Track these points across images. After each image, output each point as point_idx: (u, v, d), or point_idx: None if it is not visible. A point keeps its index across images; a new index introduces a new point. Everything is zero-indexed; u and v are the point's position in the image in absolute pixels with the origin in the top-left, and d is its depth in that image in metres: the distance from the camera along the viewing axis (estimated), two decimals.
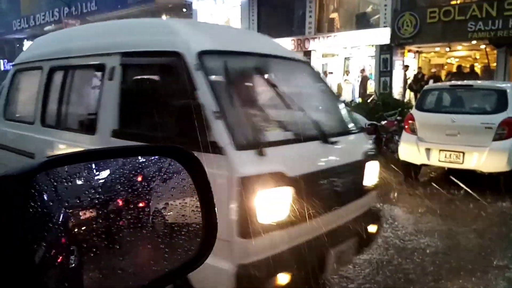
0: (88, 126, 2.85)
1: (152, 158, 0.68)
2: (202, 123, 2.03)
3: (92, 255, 0.59)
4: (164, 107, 2.40)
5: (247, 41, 3.17)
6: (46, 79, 3.37)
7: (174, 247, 0.67)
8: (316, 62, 17.54)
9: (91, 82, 3.11)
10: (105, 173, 0.62)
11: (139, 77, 2.77)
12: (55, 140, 3.12)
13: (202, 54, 2.30)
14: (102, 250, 0.60)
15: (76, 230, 0.59)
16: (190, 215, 0.68)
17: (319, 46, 17.36)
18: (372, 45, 15.38)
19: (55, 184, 0.55)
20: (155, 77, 2.73)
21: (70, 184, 0.56)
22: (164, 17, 26.73)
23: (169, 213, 0.68)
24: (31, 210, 0.50)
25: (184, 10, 23.74)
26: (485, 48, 13.06)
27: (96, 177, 0.60)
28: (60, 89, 3.25)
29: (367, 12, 16.24)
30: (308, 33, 17.49)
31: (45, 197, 0.54)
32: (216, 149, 2.00)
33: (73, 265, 0.58)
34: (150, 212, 0.66)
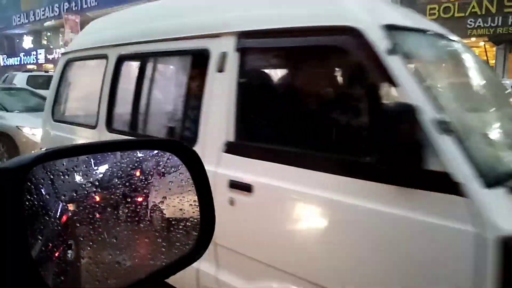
0: (183, 134, 2.18)
1: (150, 152, 0.68)
2: (411, 139, 1.28)
3: (89, 249, 0.59)
4: (329, 113, 1.76)
5: (412, 15, 2.10)
6: (114, 71, 2.60)
7: (171, 241, 0.67)
8: None
9: (184, 74, 2.34)
10: (103, 167, 0.62)
11: (273, 67, 2.04)
12: None
13: (390, 29, 1.50)
14: (99, 244, 0.60)
15: (73, 223, 0.59)
16: (188, 210, 0.68)
17: None
18: None
19: (52, 177, 0.55)
20: (306, 67, 1.95)
21: (67, 177, 0.56)
22: None
23: (166, 208, 0.68)
24: (27, 204, 0.50)
25: None
26: (484, 45, 13.08)
27: (93, 171, 0.60)
28: (136, 83, 2.49)
29: None
30: None
31: (42, 191, 0.54)
32: (443, 184, 1.26)
33: (71, 259, 0.58)
34: (148, 206, 0.66)
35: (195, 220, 0.67)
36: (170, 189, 0.69)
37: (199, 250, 0.67)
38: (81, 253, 0.57)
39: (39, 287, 0.48)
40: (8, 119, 6.65)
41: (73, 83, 3.29)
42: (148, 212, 0.66)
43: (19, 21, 35.49)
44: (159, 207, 0.68)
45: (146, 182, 0.66)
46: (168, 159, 0.68)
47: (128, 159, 0.65)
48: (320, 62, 1.90)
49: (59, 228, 0.56)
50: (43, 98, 7.99)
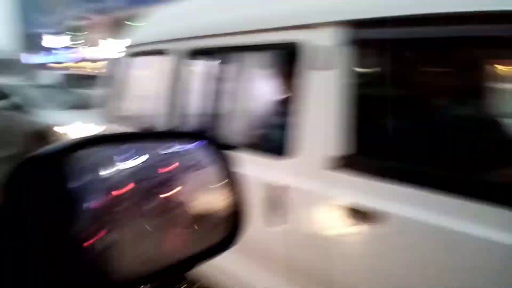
0: (269, 145, 1.86)
1: (183, 144, 0.71)
2: None
3: (123, 234, 0.61)
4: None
5: None
6: (179, 68, 2.33)
7: (201, 232, 0.69)
8: None
9: (269, 73, 2.05)
10: (136, 156, 0.64)
11: (410, 62, 1.59)
12: None
13: None
14: (133, 230, 0.62)
15: (109, 210, 0.61)
16: (219, 201, 0.70)
17: None
18: None
19: (89, 164, 0.58)
20: (471, 62, 1.52)
21: (104, 164, 0.59)
22: None
23: (198, 199, 0.71)
24: (64, 190, 0.52)
25: None
26: None
27: (128, 160, 0.63)
28: (205, 84, 2.19)
29: None
30: None
31: (80, 177, 0.57)
32: None
33: (105, 245, 0.61)
34: (179, 196, 0.68)
35: (224, 213, 0.70)
36: (201, 181, 0.71)
37: (227, 242, 0.69)
38: (116, 238, 0.60)
39: (81, 267, 0.50)
40: (42, 116, 6.73)
41: (133, 80, 2.98)
42: (180, 203, 0.68)
43: (44, 20, 36.24)
44: (191, 197, 0.70)
45: (178, 173, 0.69)
46: (199, 151, 0.70)
47: (160, 149, 0.67)
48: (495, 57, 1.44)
49: (98, 212, 0.59)
50: (79, 96, 8.35)
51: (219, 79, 2.15)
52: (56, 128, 6.36)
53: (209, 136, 0.69)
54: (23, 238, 0.49)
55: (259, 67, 2.12)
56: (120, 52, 3.19)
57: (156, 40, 2.64)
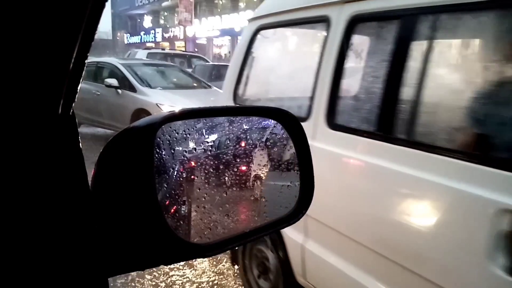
0: None
1: (259, 118, 0.74)
2: None
3: (202, 201, 0.67)
4: None
5: None
6: (343, 40, 1.77)
7: (273, 202, 0.73)
8: None
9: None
10: (214, 130, 0.69)
11: None
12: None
13: None
14: (211, 199, 0.67)
15: (189, 179, 0.67)
16: (290, 175, 0.73)
17: None
18: None
19: (175, 136, 0.64)
20: None
21: (187, 137, 0.64)
22: None
23: (271, 171, 0.74)
24: (155, 157, 0.58)
25: None
26: None
27: (208, 133, 0.67)
28: (392, 59, 1.58)
29: None
30: None
31: (166, 148, 0.63)
32: None
33: (186, 212, 0.66)
34: (254, 168, 0.72)
35: (296, 185, 0.72)
36: (273, 154, 0.74)
37: (297, 214, 0.71)
38: (196, 204, 0.66)
39: (164, 228, 0.56)
40: (150, 95, 6.98)
41: (266, 58, 2.53)
42: (255, 174, 0.72)
43: (140, 2, 38.31)
44: (265, 169, 0.73)
45: (253, 146, 0.72)
46: (274, 126, 0.73)
47: (238, 123, 0.71)
48: None
49: (179, 181, 0.64)
50: (191, 76, 8.99)
51: (408, 51, 1.53)
52: (163, 108, 6.62)
53: (287, 112, 0.71)
54: (113, 203, 0.56)
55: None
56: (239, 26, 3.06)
57: (300, 6, 2.05)
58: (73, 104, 0.49)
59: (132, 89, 7.26)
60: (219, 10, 31.96)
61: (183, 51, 21.57)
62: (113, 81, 7.44)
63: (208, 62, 13.18)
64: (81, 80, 0.47)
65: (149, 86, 7.39)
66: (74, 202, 0.51)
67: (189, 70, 10.64)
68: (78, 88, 0.48)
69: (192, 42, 32.64)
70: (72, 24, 0.43)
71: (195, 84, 8.50)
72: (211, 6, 32.39)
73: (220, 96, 2.89)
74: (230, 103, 2.54)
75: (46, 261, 0.51)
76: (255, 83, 2.57)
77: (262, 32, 2.41)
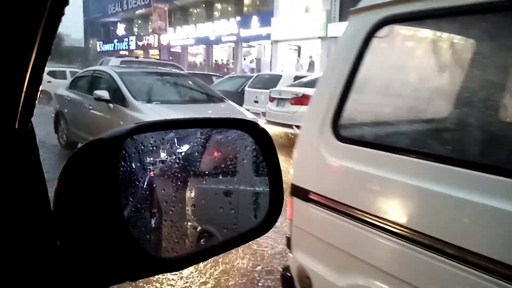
0: None
1: (226, 130, 0.74)
2: None
3: (170, 213, 0.66)
4: None
5: None
6: None
7: (243, 214, 0.73)
8: None
9: None
10: (184, 142, 0.68)
11: None
12: None
13: None
14: (179, 211, 0.66)
15: (156, 191, 0.66)
16: (259, 186, 0.73)
17: None
18: None
19: (141, 148, 0.63)
20: None
21: (153, 149, 0.63)
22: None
23: (239, 182, 0.74)
24: (121, 170, 0.57)
25: None
26: None
27: (176, 145, 0.67)
28: None
29: None
30: None
31: (133, 160, 0.62)
32: None
33: (153, 226, 0.65)
34: (223, 179, 0.71)
35: (265, 196, 0.72)
36: (243, 165, 0.74)
37: (268, 225, 0.71)
38: (163, 217, 0.65)
39: (130, 243, 0.55)
40: (143, 111, 5.69)
41: (400, 70, 1.78)
42: (223, 186, 0.71)
43: (114, 9, 37.98)
44: (233, 181, 0.73)
45: (221, 158, 0.72)
46: (241, 137, 0.73)
47: (206, 135, 0.71)
48: None
49: (145, 194, 0.63)
50: (203, 88, 7.37)
51: None
52: None
53: (254, 123, 0.71)
54: (77, 218, 0.55)
55: None
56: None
57: None
58: (32, 118, 0.47)
59: (124, 103, 5.95)
60: (193, 18, 31.95)
61: (158, 59, 21.44)
62: (103, 93, 6.17)
63: (183, 70, 13.09)
64: (39, 93, 0.46)
65: (146, 99, 6.10)
66: (33, 220, 0.50)
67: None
68: (36, 101, 0.47)
69: (166, 50, 32.46)
70: (27, 32, 0.42)
71: (205, 97, 7.09)
72: (185, 14, 32.36)
73: (303, 123, 1.95)
74: (326, 136, 1.69)
75: (6, 281, 0.49)
76: (378, 111, 1.80)
77: (389, 28, 1.54)
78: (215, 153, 0.72)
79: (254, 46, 27.10)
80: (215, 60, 29.71)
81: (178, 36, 31.45)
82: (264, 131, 0.72)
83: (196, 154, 0.68)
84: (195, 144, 0.69)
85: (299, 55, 22.63)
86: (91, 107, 6.60)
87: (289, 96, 8.48)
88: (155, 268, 0.58)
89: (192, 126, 0.69)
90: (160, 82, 7.03)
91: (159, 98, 6.27)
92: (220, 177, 0.71)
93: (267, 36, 23.34)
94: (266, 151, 0.72)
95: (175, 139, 0.67)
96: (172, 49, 33.37)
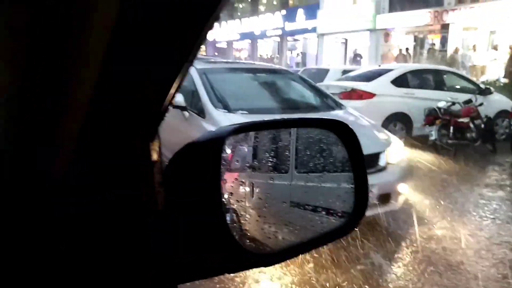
0: None
1: (315, 129, 0.75)
2: None
3: (263, 210, 0.68)
4: None
5: None
6: None
7: (328, 213, 0.74)
8: (455, 37, 16.00)
9: None
10: (275, 141, 0.71)
11: None
12: None
13: None
14: (270, 207, 0.69)
15: (252, 189, 0.68)
16: (345, 185, 0.73)
17: (459, 18, 15.75)
18: None
19: (237, 146, 0.66)
20: None
21: (248, 148, 0.66)
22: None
23: (326, 181, 0.75)
24: (218, 169, 0.60)
25: None
26: None
27: (269, 144, 0.69)
28: None
29: None
30: (448, 4, 15.93)
31: (231, 156, 0.65)
32: None
33: (247, 223, 0.68)
34: (310, 178, 0.73)
35: (350, 196, 0.73)
36: (330, 164, 0.76)
37: (352, 224, 0.72)
38: (257, 214, 0.67)
39: (229, 238, 0.58)
40: (221, 124, 3.61)
41: None
42: (310, 183, 0.73)
43: None
44: (320, 179, 0.74)
45: (311, 155, 0.74)
46: (328, 136, 0.74)
47: (297, 134, 0.73)
48: None
49: (241, 193, 0.66)
50: (314, 90, 5.50)
51: None
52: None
53: (340, 122, 0.72)
54: (182, 214, 0.58)
55: None
56: None
57: None
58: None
59: (201, 111, 4.47)
60: (239, 13, 32.14)
61: (204, 55, 21.79)
62: (178, 97, 4.35)
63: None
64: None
65: (231, 107, 4.43)
66: (148, 218, 0.54)
67: None
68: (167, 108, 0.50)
69: (212, 45, 32.88)
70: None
71: (313, 103, 5.27)
72: (231, 9, 32.60)
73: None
74: None
75: (123, 269, 0.54)
76: None
77: None
78: (303, 152, 0.73)
79: (299, 40, 26.88)
80: (260, 55, 29.77)
81: (224, 31, 31.77)
82: (350, 130, 0.73)
83: (286, 152, 0.70)
84: (285, 143, 0.71)
85: (346, 48, 22.25)
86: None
87: (337, 90, 8.30)
88: (251, 262, 0.61)
89: (284, 126, 0.71)
90: (252, 82, 5.31)
91: (249, 105, 4.59)
92: (308, 175, 0.72)
93: (313, 30, 23.07)
94: (352, 151, 0.73)
95: (266, 140, 0.69)
96: (217, 45, 33.73)
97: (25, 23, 0.35)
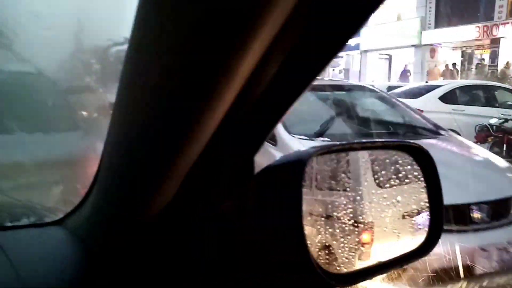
0: None
1: (392, 152, 0.76)
2: None
3: (337, 231, 0.69)
4: None
5: None
6: None
7: (404, 235, 0.74)
8: (506, 51, 15.40)
9: None
10: (353, 165, 0.72)
11: None
12: None
13: None
14: (347, 231, 0.70)
15: (328, 210, 0.70)
16: (420, 208, 0.73)
17: (511, 32, 15.17)
18: None
19: (316, 167, 0.67)
20: None
21: (327, 168, 0.68)
22: None
23: (402, 203, 0.75)
24: (299, 191, 0.62)
25: None
26: None
27: (346, 165, 0.71)
28: None
29: None
30: (498, 18, 15.41)
31: (311, 177, 0.66)
32: None
33: (324, 244, 0.69)
34: (387, 199, 0.74)
35: (426, 218, 0.72)
36: (406, 186, 0.76)
37: (428, 247, 0.72)
38: (335, 234, 0.68)
39: (307, 259, 0.59)
40: (283, 144, 3.42)
41: None
42: (386, 204, 0.73)
43: None
44: (396, 201, 0.75)
45: (387, 177, 0.74)
46: (405, 159, 0.74)
47: (373, 156, 0.74)
48: None
49: (320, 214, 0.68)
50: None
51: None
52: None
53: (417, 146, 0.72)
54: (265, 233, 0.60)
55: None
56: None
57: None
58: None
59: (271, 137, 3.41)
60: None
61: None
62: None
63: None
64: None
65: (310, 133, 3.61)
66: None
67: None
68: None
69: None
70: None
71: (413, 128, 4.23)
72: None
73: None
74: None
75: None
76: None
77: None
78: (380, 174, 0.74)
79: (342, 57, 26.75)
80: None
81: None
82: (427, 153, 0.73)
83: (365, 174, 0.71)
84: (362, 167, 0.72)
85: (390, 64, 21.90)
86: None
87: None
88: (329, 283, 0.62)
89: (364, 149, 0.73)
90: (333, 101, 4.33)
91: (333, 129, 3.64)
92: (385, 196, 0.73)
93: (356, 47, 22.91)
94: (428, 174, 0.73)
95: (343, 163, 0.71)
96: None
97: None
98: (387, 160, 0.74)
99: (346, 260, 0.68)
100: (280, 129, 3.40)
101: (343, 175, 0.69)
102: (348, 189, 0.69)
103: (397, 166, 0.74)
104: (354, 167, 0.70)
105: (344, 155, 0.70)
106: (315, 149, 0.62)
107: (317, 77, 0.49)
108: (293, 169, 0.60)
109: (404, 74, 18.49)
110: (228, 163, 0.56)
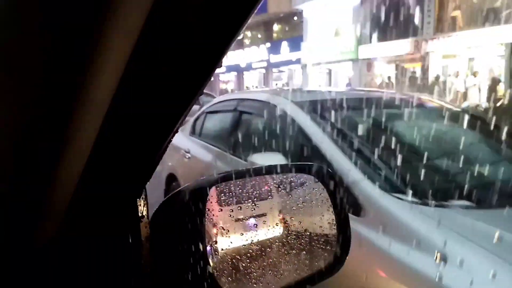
0: None
1: (296, 174, 0.78)
2: None
3: (245, 257, 0.69)
4: None
5: None
6: None
7: (312, 255, 0.75)
8: (435, 65, 16.48)
9: None
10: (259, 187, 0.73)
11: None
12: None
13: None
14: (254, 252, 0.70)
15: (233, 232, 0.70)
16: (327, 227, 0.75)
17: (438, 47, 16.27)
18: (502, 44, 14.00)
19: (220, 194, 0.67)
20: None
21: (232, 196, 0.68)
22: (275, 26, 27.46)
23: (308, 224, 0.77)
24: (202, 220, 0.62)
25: (295, 18, 24.28)
26: None
27: (251, 190, 0.71)
28: None
29: (496, 7, 14.81)
30: (427, 34, 16.48)
31: (212, 204, 0.66)
32: None
33: (232, 270, 0.69)
34: (292, 221, 0.75)
35: (333, 237, 0.74)
36: (311, 207, 0.78)
37: (336, 265, 0.74)
38: (241, 260, 0.68)
39: (205, 275, 0.58)
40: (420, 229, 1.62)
41: None
42: (293, 227, 0.75)
43: None
44: (302, 223, 0.76)
45: (291, 201, 0.76)
46: (310, 181, 0.76)
47: (278, 180, 0.75)
48: None
49: (224, 240, 0.68)
50: None
51: None
52: None
53: (320, 166, 0.74)
54: (166, 262, 0.59)
55: None
56: None
57: None
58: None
59: (355, 205, 1.71)
60: None
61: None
62: (273, 161, 2.26)
63: (214, 97, 13.30)
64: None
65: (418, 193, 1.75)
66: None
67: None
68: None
69: None
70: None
71: None
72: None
73: None
74: None
75: None
76: None
77: None
78: (285, 197, 0.75)
79: (284, 71, 27.34)
80: (246, 87, 30.10)
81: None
82: (329, 173, 0.75)
83: (270, 197, 0.72)
84: (267, 188, 0.73)
85: (330, 78, 22.67)
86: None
87: None
88: None
89: (268, 173, 0.74)
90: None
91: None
92: (290, 218, 0.74)
93: (297, 61, 23.54)
94: (332, 192, 0.75)
95: (249, 187, 0.71)
96: None
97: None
98: (293, 183, 0.76)
99: (260, 284, 0.68)
100: (367, 187, 1.74)
101: (249, 201, 0.70)
102: (254, 214, 0.69)
103: (303, 188, 0.76)
104: (259, 192, 0.71)
105: (249, 179, 0.71)
106: (218, 176, 0.63)
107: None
108: (195, 196, 0.60)
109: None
110: (115, 179, 0.53)
